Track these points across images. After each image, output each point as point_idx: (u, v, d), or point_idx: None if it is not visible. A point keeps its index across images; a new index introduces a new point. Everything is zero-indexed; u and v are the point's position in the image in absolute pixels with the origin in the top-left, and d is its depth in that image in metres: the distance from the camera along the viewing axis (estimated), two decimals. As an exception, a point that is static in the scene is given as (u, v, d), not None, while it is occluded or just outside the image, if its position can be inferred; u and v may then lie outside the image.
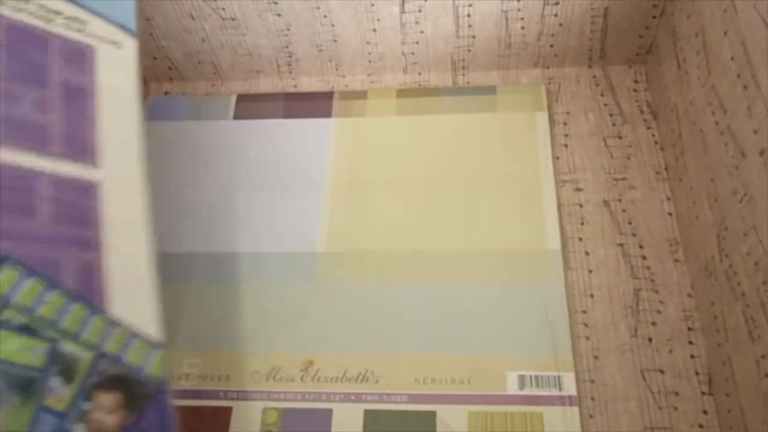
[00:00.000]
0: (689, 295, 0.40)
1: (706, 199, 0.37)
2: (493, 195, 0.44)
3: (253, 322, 0.41)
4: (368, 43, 0.48)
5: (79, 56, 0.31)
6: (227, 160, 0.47)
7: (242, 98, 0.50)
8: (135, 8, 0.34)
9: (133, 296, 0.28)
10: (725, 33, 0.35)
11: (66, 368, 0.25)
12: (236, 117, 0.49)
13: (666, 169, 0.44)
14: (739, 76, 0.33)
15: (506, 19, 0.45)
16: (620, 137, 0.46)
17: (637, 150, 0.45)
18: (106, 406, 0.26)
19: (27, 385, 0.24)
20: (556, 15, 0.45)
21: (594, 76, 0.49)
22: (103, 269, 0.28)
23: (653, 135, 0.46)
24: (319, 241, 0.43)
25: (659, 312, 0.40)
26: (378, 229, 0.43)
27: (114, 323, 0.27)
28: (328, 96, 0.49)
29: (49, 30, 0.30)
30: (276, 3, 0.45)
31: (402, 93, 0.48)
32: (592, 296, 0.41)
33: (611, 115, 0.47)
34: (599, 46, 0.47)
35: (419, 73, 0.50)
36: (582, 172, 0.45)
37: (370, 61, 0.49)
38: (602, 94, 0.48)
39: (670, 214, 0.43)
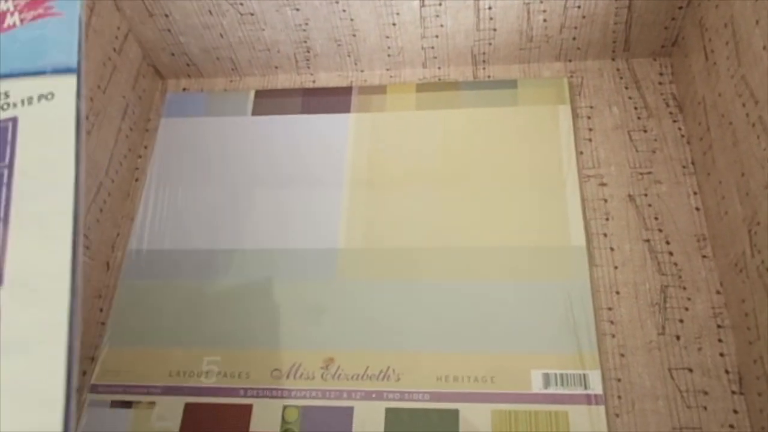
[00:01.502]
0: (718, 292, 0.39)
1: (737, 194, 0.36)
2: (515, 191, 0.43)
3: (273, 319, 0.41)
4: (387, 37, 0.47)
5: None
6: (246, 157, 0.47)
7: (260, 94, 0.49)
8: (76, 41, 0.29)
9: None
10: (757, 22, 0.34)
11: None
12: (255, 113, 0.49)
13: (693, 163, 0.43)
14: (771, 66, 0.32)
15: (528, 11, 0.45)
16: (645, 131, 0.45)
17: (663, 144, 0.44)
18: None
19: None
20: (579, 7, 0.44)
21: (618, 69, 0.48)
22: None
23: (679, 128, 0.44)
24: (339, 238, 0.43)
25: (687, 309, 0.39)
26: (398, 226, 0.43)
27: None
28: (347, 91, 0.48)
29: None
30: (294, -3, 0.44)
31: (421, 87, 0.48)
32: (617, 293, 0.40)
33: (636, 108, 0.46)
34: (623, 38, 0.46)
35: (439, 68, 0.50)
36: (606, 166, 0.44)
37: (389, 56, 0.49)
38: (626, 87, 0.47)
39: (697, 209, 0.42)
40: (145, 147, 0.50)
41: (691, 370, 0.37)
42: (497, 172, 0.44)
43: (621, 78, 0.47)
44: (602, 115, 0.46)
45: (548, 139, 0.44)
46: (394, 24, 0.46)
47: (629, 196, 0.43)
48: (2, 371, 0.21)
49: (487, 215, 0.43)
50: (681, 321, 0.38)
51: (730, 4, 0.37)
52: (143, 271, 0.43)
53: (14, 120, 0.27)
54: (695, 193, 0.42)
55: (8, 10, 0.30)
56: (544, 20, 0.45)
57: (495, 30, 0.46)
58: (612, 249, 0.41)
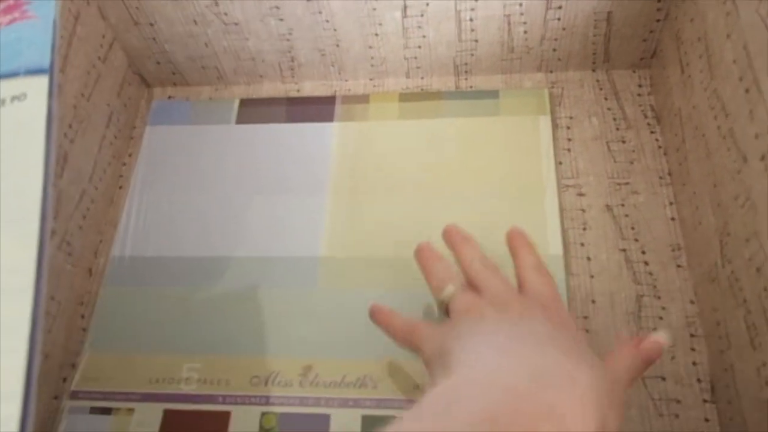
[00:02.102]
0: (692, 302, 0.39)
1: (709, 205, 0.37)
2: (495, 199, 0.43)
3: (254, 326, 0.41)
4: (371, 47, 0.48)
5: None
6: (229, 165, 0.47)
7: (245, 103, 0.50)
8: (50, 42, 0.30)
9: None
10: (728, 36, 0.34)
11: None
12: (239, 121, 0.49)
13: (669, 173, 0.44)
14: (741, 80, 0.33)
15: (509, 23, 0.45)
16: (624, 142, 0.45)
17: (641, 155, 0.45)
18: None
19: None
20: (558, 19, 0.45)
21: (598, 81, 0.48)
22: None
23: (657, 140, 0.45)
24: (321, 246, 0.43)
25: (661, 318, 0.39)
26: (379, 235, 0.43)
27: None
28: (331, 100, 0.49)
29: None
30: (278, 8, 0.45)
31: (404, 97, 0.48)
32: (593, 302, 0.40)
33: (615, 119, 0.46)
34: (603, 50, 0.47)
35: (422, 78, 0.50)
36: (585, 176, 0.44)
37: (372, 66, 0.49)
38: (606, 99, 0.47)
39: (673, 220, 0.42)
40: (130, 155, 0.50)
41: (663, 379, 0.37)
42: (478, 181, 0.44)
43: (601, 89, 0.48)
44: (582, 126, 0.46)
45: (529, 149, 0.45)
46: (376, 34, 0.47)
47: (607, 206, 0.43)
48: None
49: (467, 224, 0.43)
50: (655, 330, 0.39)
51: (704, 19, 0.37)
52: (125, 278, 0.43)
53: None
54: (671, 204, 0.43)
55: None
56: (525, 32, 0.46)
57: (477, 41, 0.47)
58: (589, 258, 0.42)
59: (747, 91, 0.32)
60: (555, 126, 0.46)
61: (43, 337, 0.40)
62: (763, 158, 0.30)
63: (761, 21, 0.31)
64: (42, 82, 0.28)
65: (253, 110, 0.49)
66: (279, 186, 0.46)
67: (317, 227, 0.44)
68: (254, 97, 0.51)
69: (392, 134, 0.47)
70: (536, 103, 0.47)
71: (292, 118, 0.49)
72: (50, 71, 0.29)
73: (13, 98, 0.28)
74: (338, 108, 0.49)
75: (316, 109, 0.49)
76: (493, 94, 0.47)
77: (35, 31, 0.30)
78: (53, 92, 0.28)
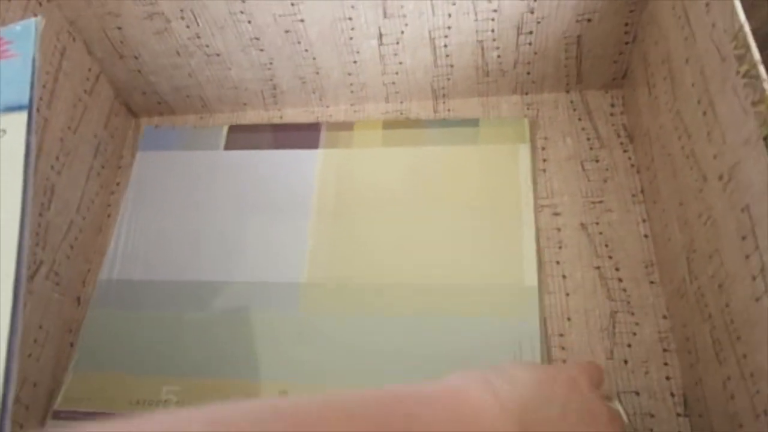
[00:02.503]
0: (664, 317, 0.40)
1: (677, 222, 0.38)
2: (474, 228, 0.44)
3: (233, 349, 0.42)
4: (350, 74, 0.49)
5: None
6: (216, 190, 0.48)
7: (234, 129, 0.51)
8: (29, 79, 0.31)
9: None
10: (687, 60, 0.36)
11: None
12: (227, 147, 0.50)
13: (642, 191, 0.45)
14: (699, 102, 0.34)
15: (482, 48, 0.47)
16: (597, 161, 0.47)
17: (614, 173, 0.46)
18: None
19: None
20: (530, 44, 0.46)
21: (572, 101, 0.49)
22: None
23: (629, 158, 0.46)
24: (303, 272, 0.44)
25: (635, 334, 0.40)
26: (360, 261, 0.44)
27: None
28: (316, 127, 0.50)
29: None
30: (258, 39, 0.46)
31: (388, 124, 0.49)
32: (569, 319, 0.41)
33: (589, 139, 0.47)
34: (575, 72, 0.48)
35: (401, 102, 0.51)
36: (560, 196, 0.45)
37: (352, 92, 0.51)
38: (580, 119, 0.49)
39: (646, 237, 0.43)
40: (118, 183, 0.51)
41: (638, 394, 0.38)
42: (458, 209, 0.45)
43: (575, 109, 0.49)
44: (556, 146, 0.47)
45: (508, 177, 0.46)
46: (355, 62, 0.48)
47: (581, 224, 0.44)
48: None
49: (446, 251, 0.44)
50: (629, 345, 0.40)
51: (667, 42, 0.39)
52: (111, 301, 0.44)
53: None
54: (644, 221, 0.44)
55: None
56: (498, 56, 0.47)
57: (452, 66, 0.48)
58: (564, 276, 0.43)
59: (704, 114, 0.33)
60: (535, 155, 0.47)
61: (31, 365, 0.41)
62: (721, 178, 0.32)
63: (714, 47, 0.32)
64: (21, 118, 0.30)
65: (241, 136, 0.51)
66: (264, 211, 0.47)
67: (300, 253, 0.45)
68: (240, 123, 0.52)
69: (375, 161, 0.48)
70: (515, 131, 0.48)
71: (278, 145, 0.50)
72: (29, 108, 0.30)
73: None
74: (323, 135, 0.50)
75: (302, 135, 0.50)
76: (474, 122, 0.48)
77: (15, 69, 0.31)
78: (32, 128, 0.30)
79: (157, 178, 0.49)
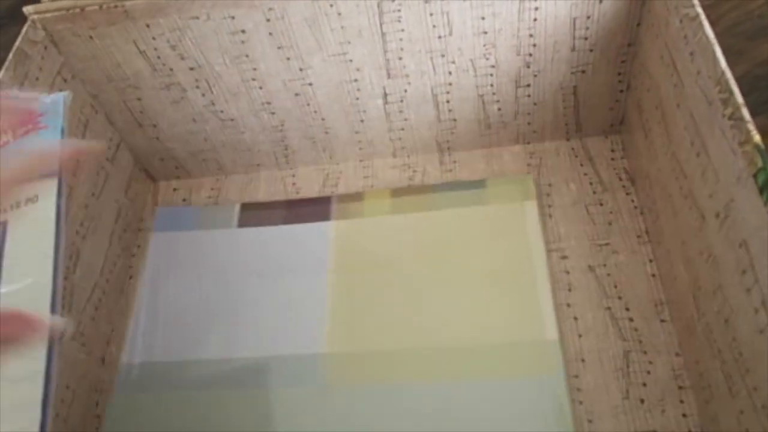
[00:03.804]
0: (677, 354, 0.41)
1: (681, 261, 0.39)
2: (489, 288, 0.45)
3: (258, 426, 0.42)
4: (357, 132, 0.51)
5: None
6: (232, 267, 0.49)
7: (246, 207, 0.53)
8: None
9: None
10: (678, 105, 0.37)
11: None
12: (241, 224, 0.52)
13: (647, 232, 0.46)
14: (692, 144, 0.35)
15: (483, 102, 0.49)
16: (601, 204, 0.48)
17: (618, 216, 0.47)
18: None
19: None
20: (529, 96, 0.48)
21: (573, 148, 0.51)
22: None
23: (632, 200, 0.48)
24: (322, 343, 0.44)
25: (649, 372, 0.40)
26: (379, 328, 0.44)
27: None
28: (326, 200, 0.52)
29: None
30: (270, 103, 0.49)
31: (396, 192, 0.51)
32: (583, 360, 0.42)
33: (591, 183, 0.49)
34: (574, 120, 0.50)
35: (408, 156, 0.53)
36: (567, 240, 0.47)
37: (361, 149, 0.53)
38: (582, 165, 0.50)
39: (653, 276, 0.44)
40: (138, 246, 0.53)
41: (655, 432, 0.38)
42: (470, 270, 0.46)
43: (576, 156, 0.51)
44: (560, 192, 0.49)
45: (517, 235, 0.47)
46: (362, 120, 0.50)
47: (589, 266, 0.45)
48: None
49: (463, 313, 0.44)
50: (644, 384, 0.40)
51: (659, 89, 0.41)
52: (134, 385, 0.45)
53: (4, 224, 0.31)
54: (651, 261, 0.45)
55: (3, 129, 0.34)
56: (499, 109, 0.49)
57: (455, 120, 0.50)
58: (576, 318, 0.43)
59: (698, 155, 0.35)
60: (542, 212, 0.48)
61: (59, 424, 0.42)
62: (717, 215, 0.33)
63: (701, 92, 0.33)
64: (52, 185, 0.32)
65: (254, 213, 0.52)
66: (280, 285, 0.48)
67: (318, 323, 0.45)
68: (253, 196, 0.54)
69: (386, 229, 0.49)
70: (521, 189, 0.49)
71: (290, 220, 0.51)
72: (59, 174, 0.32)
73: (27, 200, 0.31)
74: (334, 207, 0.51)
75: (313, 209, 0.51)
76: (480, 183, 0.50)
77: (45, 139, 0.33)
78: (62, 192, 0.32)
79: (173, 259, 0.51)
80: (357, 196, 0.51)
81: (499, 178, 0.50)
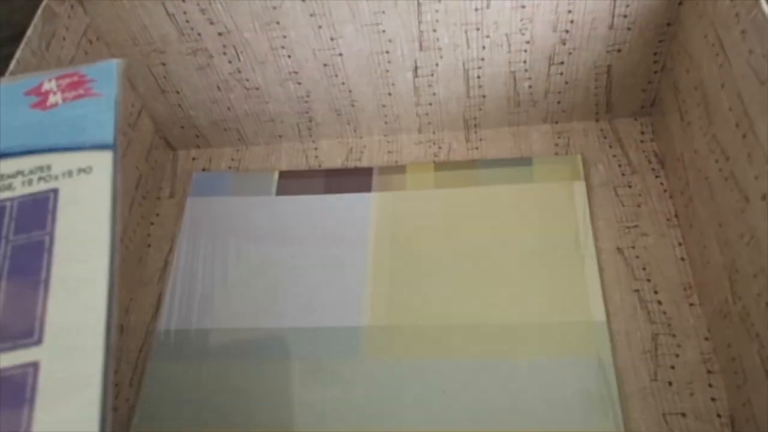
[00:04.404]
0: (706, 339, 0.41)
1: (716, 244, 0.39)
2: (536, 267, 0.44)
3: (295, 399, 0.41)
4: (384, 106, 0.50)
5: (36, 210, 0.29)
6: (270, 236, 0.48)
7: (284, 174, 0.52)
8: (113, 119, 0.32)
9: None
10: (722, 86, 0.37)
11: None
12: (279, 193, 0.51)
13: (676, 215, 0.46)
14: (737, 126, 0.35)
15: (514, 79, 0.48)
16: (630, 186, 0.47)
17: (647, 198, 0.47)
18: None
19: None
20: (561, 74, 0.47)
21: (601, 129, 0.51)
22: None
23: (662, 183, 0.47)
24: (363, 316, 0.44)
25: (677, 356, 0.40)
26: (421, 303, 0.44)
27: None
28: (368, 171, 0.51)
29: (6, 197, 0.29)
30: (297, 72, 0.48)
31: (439, 166, 0.50)
32: (611, 342, 0.41)
33: (620, 165, 0.48)
34: (605, 101, 0.49)
35: (433, 132, 0.53)
36: (595, 221, 0.46)
37: (386, 123, 0.52)
38: (610, 146, 0.50)
39: (682, 260, 0.44)
40: (157, 214, 0.52)
41: (684, 415, 0.38)
42: (516, 248, 0.45)
43: (605, 137, 0.50)
44: (589, 173, 0.48)
45: (565, 215, 0.46)
46: (390, 94, 0.49)
47: (618, 248, 0.45)
48: (40, 423, 0.22)
49: (508, 292, 0.43)
50: (672, 367, 0.40)
51: (699, 70, 0.40)
52: (171, 353, 0.44)
53: (55, 191, 0.29)
54: (680, 244, 0.44)
55: (51, 90, 0.33)
56: (530, 86, 0.48)
57: (484, 96, 0.49)
58: (604, 299, 0.43)
59: (744, 136, 0.34)
60: (590, 191, 0.48)
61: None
62: (764, 198, 0.32)
63: (752, 71, 0.33)
64: (107, 158, 0.30)
65: (293, 182, 0.51)
66: (320, 256, 0.47)
67: (359, 297, 0.45)
68: (275, 167, 0.53)
69: (430, 203, 0.48)
70: (570, 168, 0.48)
71: (330, 189, 0.50)
72: (114, 148, 0.31)
73: (80, 170, 0.30)
74: (375, 178, 0.50)
75: (354, 180, 0.50)
76: (527, 161, 0.49)
77: (99, 108, 0.32)
78: (117, 167, 0.30)
79: (210, 225, 0.50)
80: (400, 168, 0.50)
81: (547, 156, 0.49)
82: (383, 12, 0.44)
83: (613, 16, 0.43)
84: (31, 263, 0.27)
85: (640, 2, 0.42)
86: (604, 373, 0.40)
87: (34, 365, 0.24)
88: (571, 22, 0.44)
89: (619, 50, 0.46)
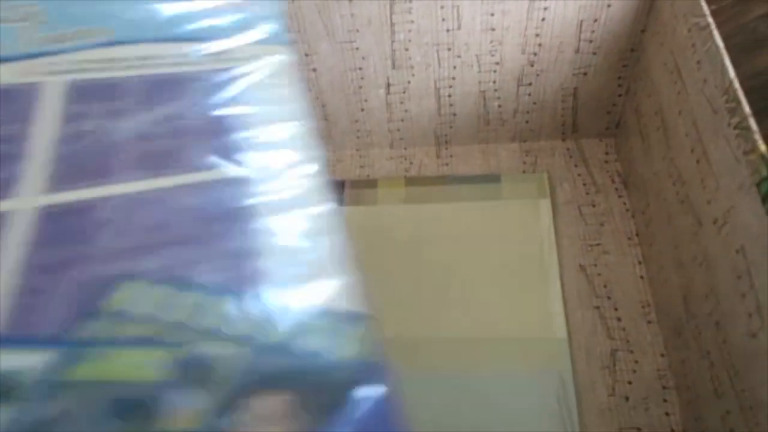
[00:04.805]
0: (662, 355, 0.42)
1: (672, 264, 0.40)
2: (501, 282, 0.45)
3: None
4: (356, 121, 0.51)
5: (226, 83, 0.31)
6: None
7: None
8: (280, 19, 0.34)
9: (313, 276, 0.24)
10: (680, 112, 0.38)
11: (200, 375, 0.20)
12: None
13: (637, 234, 0.47)
14: (692, 151, 0.36)
15: (484, 98, 0.49)
16: (594, 205, 0.49)
17: (610, 217, 0.48)
18: (266, 414, 0.19)
19: (139, 407, 0.19)
20: (529, 94, 0.49)
21: (568, 149, 0.52)
22: (256, 254, 0.24)
23: (624, 203, 0.49)
24: None
25: (635, 371, 0.42)
26: (388, 316, 0.44)
27: (275, 310, 0.22)
28: (340, 185, 0.51)
29: (187, 71, 0.31)
30: (271, 86, 0.49)
31: (410, 181, 0.51)
32: (571, 358, 0.43)
33: (585, 184, 0.50)
34: (571, 121, 0.51)
35: (405, 148, 0.54)
36: (559, 239, 0.47)
37: (358, 137, 0.53)
38: (576, 165, 0.51)
39: (642, 278, 0.45)
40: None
41: (639, 430, 0.39)
42: (483, 264, 0.46)
43: (571, 157, 0.52)
44: (554, 192, 0.50)
45: (531, 231, 0.47)
46: (362, 110, 0.50)
47: (580, 266, 0.46)
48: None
49: (474, 306, 0.44)
50: (630, 383, 0.41)
51: (659, 95, 0.42)
52: None
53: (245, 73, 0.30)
54: (640, 263, 0.46)
55: None
56: (499, 106, 0.50)
57: (455, 114, 0.51)
58: (566, 316, 0.44)
59: (698, 162, 0.36)
60: (555, 209, 0.49)
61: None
62: (715, 222, 0.34)
63: (706, 100, 0.34)
64: (284, 49, 0.32)
65: None
66: None
67: None
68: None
69: (399, 218, 0.49)
70: (536, 186, 0.49)
71: None
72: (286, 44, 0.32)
73: (259, 57, 0.31)
74: (347, 192, 0.51)
75: None
76: (496, 178, 0.50)
77: (271, 8, 0.33)
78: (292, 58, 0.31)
79: None
80: (371, 183, 0.51)
81: (515, 174, 0.51)
82: (357, 30, 0.45)
83: (579, 41, 0.45)
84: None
85: (605, 28, 0.44)
86: (564, 389, 0.41)
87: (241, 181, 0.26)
88: (539, 45, 0.45)
89: (585, 73, 0.47)
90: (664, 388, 0.41)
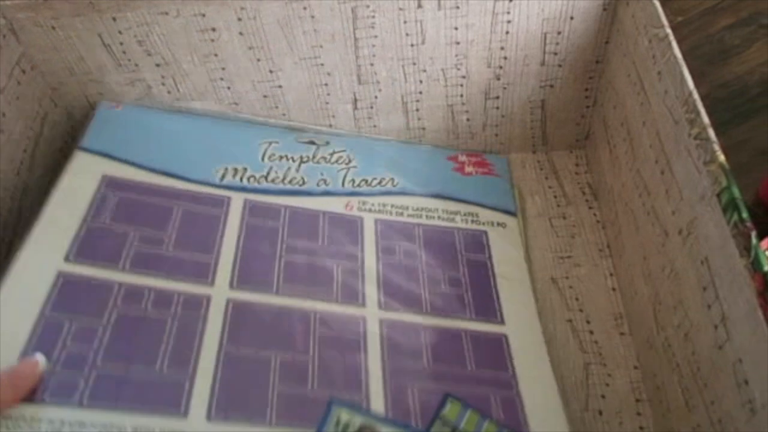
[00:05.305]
0: (635, 368, 0.42)
1: (642, 275, 0.40)
2: None
3: None
4: (325, 137, 0.51)
5: (476, 240, 0.45)
6: None
7: None
8: (513, 195, 0.49)
9: (547, 421, 0.37)
10: (643, 123, 0.38)
11: None
12: None
13: (608, 246, 0.47)
14: (656, 162, 0.36)
15: (452, 112, 0.49)
16: (564, 217, 0.49)
17: (581, 229, 0.48)
18: None
19: None
20: (497, 108, 0.49)
21: (538, 161, 0.52)
22: (520, 403, 0.37)
23: (595, 215, 0.48)
24: None
25: (608, 385, 0.41)
26: None
27: None
28: None
29: (454, 226, 0.45)
30: (237, 103, 0.48)
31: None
32: (544, 372, 0.42)
33: (555, 197, 0.50)
34: (541, 133, 0.51)
35: (375, 163, 0.53)
36: (531, 251, 0.47)
37: (328, 154, 0.52)
38: (546, 178, 0.51)
39: (613, 290, 0.45)
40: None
41: (613, 444, 0.39)
42: None
43: (541, 169, 0.51)
44: (525, 204, 0.49)
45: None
46: (330, 125, 0.50)
47: (552, 278, 0.46)
48: None
49: None
50: (603, 396, 0.41)
51: (624, 107, 0.41)
52: None
53: (485, 233, 0.46)
54: (611, 275, 0.46)
55: (465, 162, 0.49)
56: (468, 119, 0.50)
57: (424, 129, 0.50)
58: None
59: (662, 172, 0.35)
60: (526, 222, 0.49)
61: None
62: (680, 232, 0.34)
63: (667, 111, 0.34)
64: (514, 221, 0.47)
65: None
66: None
67: None
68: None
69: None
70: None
71: None
72: (516, 215, 0.47)
73: (498, 224, 0.46)
74: None
75: None
76: None
77: (498, 185, 0.48)
78: (522, 232, 0.46)
79: None
80: None
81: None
82: (321, 46, 0.44)
83: (544, 54, 0.45)
84: (480, 271, 0.43)
85: (569, 41, 0.44)
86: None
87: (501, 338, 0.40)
88: (504, 58, 0.45)
89: (551, 86, 0.47)
90: (637, 401, 0.40)
